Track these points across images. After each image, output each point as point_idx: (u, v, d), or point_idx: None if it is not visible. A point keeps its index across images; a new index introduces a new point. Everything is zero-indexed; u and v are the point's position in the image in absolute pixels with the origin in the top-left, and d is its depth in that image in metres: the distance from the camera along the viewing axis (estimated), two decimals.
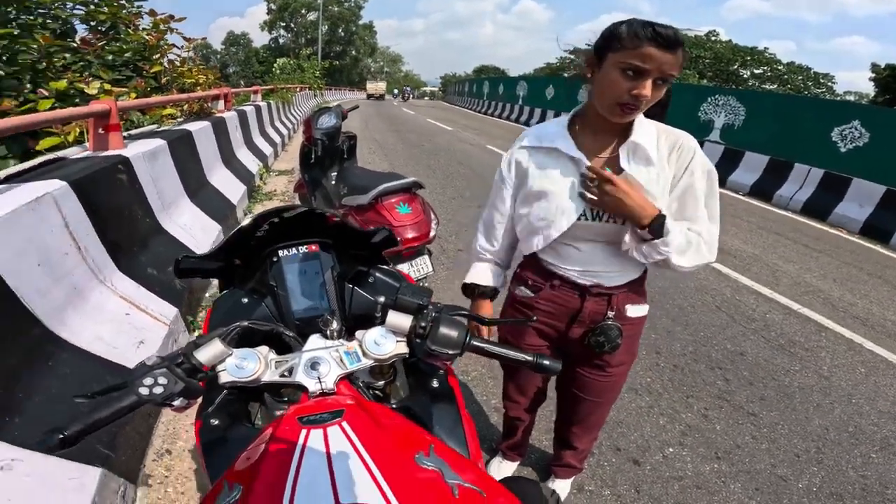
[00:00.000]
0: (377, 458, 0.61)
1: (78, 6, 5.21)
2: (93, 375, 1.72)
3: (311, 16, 53.60)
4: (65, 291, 1.84)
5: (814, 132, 8.00)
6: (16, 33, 3.99)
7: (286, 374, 0.78)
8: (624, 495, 1.83)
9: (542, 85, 19.68)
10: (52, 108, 3.49)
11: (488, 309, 1.40)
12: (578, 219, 1.13)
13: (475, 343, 0.79)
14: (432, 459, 0.64)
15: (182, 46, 6.04)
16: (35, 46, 4.09)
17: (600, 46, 1.03)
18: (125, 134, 3.11)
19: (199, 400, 0.77)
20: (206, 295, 2.99)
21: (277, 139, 8.47)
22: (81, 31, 5.46)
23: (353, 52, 60.52)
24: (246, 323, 0.81)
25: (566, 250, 1.20)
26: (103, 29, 5.42)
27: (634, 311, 1.27)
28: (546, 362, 0.80)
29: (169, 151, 3.31)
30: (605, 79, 1.01)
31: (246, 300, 0.99)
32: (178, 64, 5.73)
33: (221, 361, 0.75)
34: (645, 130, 1.09)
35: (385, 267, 1.09)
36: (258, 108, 7.63)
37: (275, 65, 19.30)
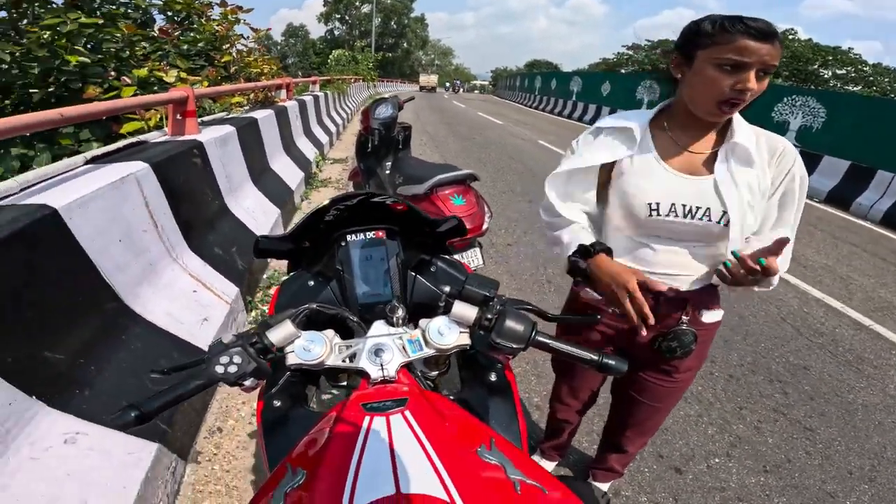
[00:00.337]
0: (439, 449, 0.60)
1: None
2: (161, 351, 1.78)
3: (365, 8, 54.74)
4: (141, 267, 1.92)
5: None
6: (100, 23, 4.22)
7: (348, 359, 0.78)
8: (661, 503, 1.77)
9: (597, 80, 19.13)
10: (133, 95, 3.73)
11: (612, 264, 1.08)
12: (652, 214, 1.08)
13: (540, 339, 0.77)
14: (494, 454, 0.62)
15: (248, 37, 6.31)
16: (119, 35, 4.35)
17: (685, 45, 0.97)
18: (199, 120, 3.28)
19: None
20: (264, 276, 3.11)
21: (333, 128, 8.69)
22: (159, 20, 5.82)
23: (405, 45, 61.32)
24: (314, 305, 0.82)
25: (642, 252, 1.15)
26: (178, 19, 5.74)
27: (709, 316, 1.20)
28: (612, 362, 0.77)
29: (237, 137, 3.47)
30: (700, 77, 0.96)
31: (312, 283, 1.01)
32: (245, 54, 5.98)
33: (290, 343, 0.76)
34: (744, 131, 1.04)
35: (447, 257, 1.09)
36: (316, 98, 7.84)
37: (330, 56, 19.88)
